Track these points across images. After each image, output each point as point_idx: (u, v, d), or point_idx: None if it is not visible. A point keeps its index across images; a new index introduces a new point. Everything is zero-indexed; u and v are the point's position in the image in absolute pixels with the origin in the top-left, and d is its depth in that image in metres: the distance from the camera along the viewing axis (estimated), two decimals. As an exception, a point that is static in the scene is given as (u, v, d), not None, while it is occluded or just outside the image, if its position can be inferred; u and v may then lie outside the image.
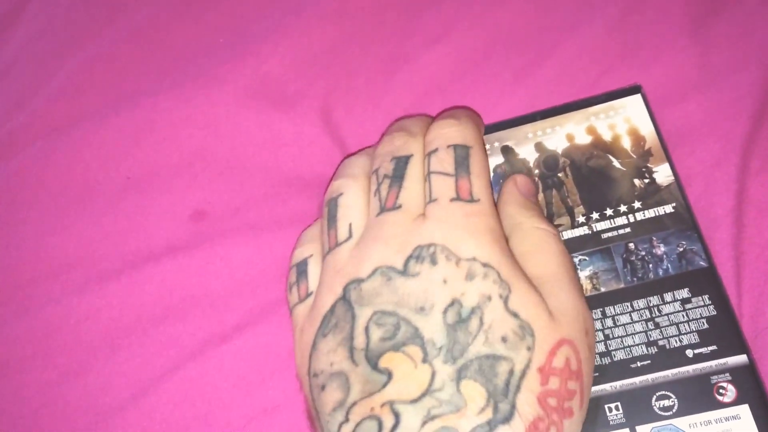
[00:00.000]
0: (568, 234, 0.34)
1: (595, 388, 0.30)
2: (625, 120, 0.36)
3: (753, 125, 0.35)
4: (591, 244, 0.34)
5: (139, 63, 0.47)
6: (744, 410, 0.28)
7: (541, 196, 0.36)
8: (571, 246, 0.34)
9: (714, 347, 0.30)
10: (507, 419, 0.24)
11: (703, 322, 0.30)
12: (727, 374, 0.29)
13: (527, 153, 0.37)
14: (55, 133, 0.45)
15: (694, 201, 0.34)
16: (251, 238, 0.39)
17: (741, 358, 0.29)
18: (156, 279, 0.39)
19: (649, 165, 0.35)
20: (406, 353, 0.26)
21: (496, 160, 0.37)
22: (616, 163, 0.35)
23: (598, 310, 0.32)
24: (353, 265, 0.28)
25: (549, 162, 0.36)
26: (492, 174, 0.37)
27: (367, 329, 0.27)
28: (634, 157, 0.35)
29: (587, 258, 0.33)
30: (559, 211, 0.35)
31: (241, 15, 0.47)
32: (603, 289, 0.32)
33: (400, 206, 0.29)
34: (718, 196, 0.34)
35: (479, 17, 0.43)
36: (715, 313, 0.31)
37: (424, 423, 0.24)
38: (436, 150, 0.30)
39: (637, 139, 0.35)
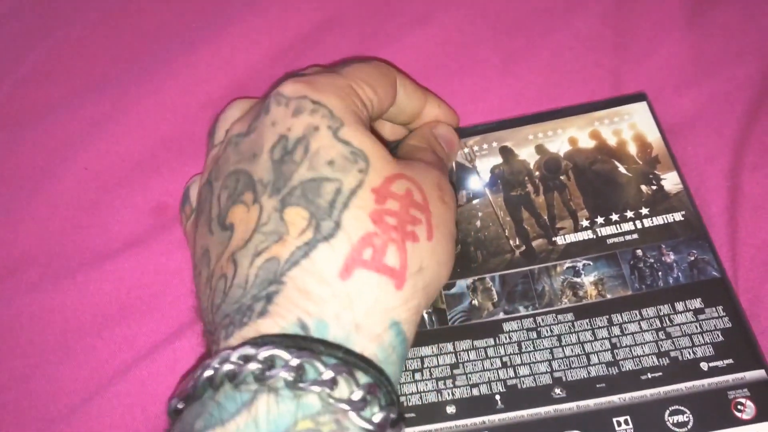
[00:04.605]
0: (571, 237, 0.32)
1: (602, 400, 0.27)
2: (630, 126, 0.34)
3: (748, 119, 0.34)
4: (596, 248, 0.31)
5: (109, 50, 0.45)
6: (765, 429, 0.26)
7: (541, 198, 0.33)
8: (575, 250, 0.31)
9: (730, 361, 0.27)
10: (328, 237, 0.23)
11: (718, 334, 0.28)
12: (746, 389, 0.27)
13: (527, 155, 0.35)
14: (18, 123, 0.42)
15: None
16: None
17: (759, 373, 0.27)
18: (113, 277, 0.36)
19: (656, 172, 0.33)
20: (242, 202, 0.25)
21: (495, 160, 0.35)
22: (621, 169, 0.33)
23: (604, 317, 0.29)
24: (217, 152, 0.28)
25: (550, 164, 0.34)
26: (489, 174, 0.34)
27: (218, 197, 0.26)
28: (641, 163, 0.33)
29: (591, 263, 0.31)
30: (561, 214, 0.33)
31: None
32: (609, 296, 0.30)
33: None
34: (712, 192, 0.33)
35: None
36: (730, 325, 0.28)
37: (252, 261, 0.23)
38: None
39: (644, 146, 0.34)
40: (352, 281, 0.23)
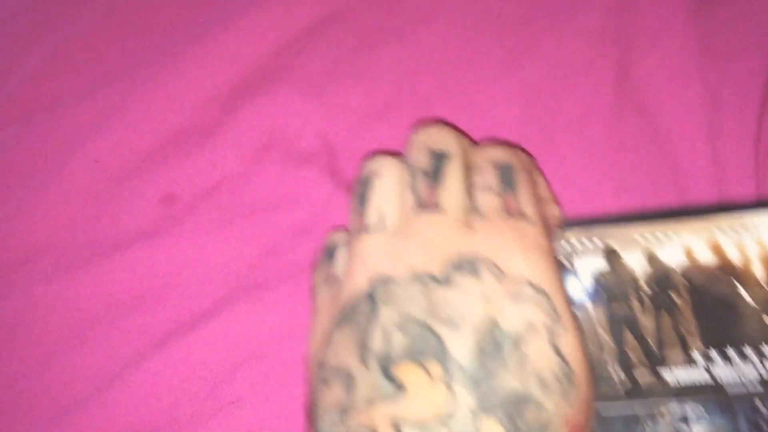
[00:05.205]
0: (680, 373, 0.28)
1: None
2: (757, 242, 0.30)
3: (757, 111, 0.33)
4: (708, 391, 0.28)
5: (117, 43, 0.45)
6: None
7: (650, 320, 0.30)
8: (683, 389, 0.28)
9: None
10: None
11: None
12: None
13: (635, 261, 0.31)
14: (28, 115, 0.43)
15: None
16: (224, 222, 0.37)
17: None
18: (125, 267, 0.37)
19: (784, 303, 0.29)
20: (424, 367, 0.23)
21: (598, 263, 0.31)
22: (744, 294, 0.30)
23: (714, 480, 0.26)
24: (385, 261, 0.25)
25: (663, 281, 0.30)
26: (591, 281, 0.31)
27: (387, 332, 0.24)
28: (767, 289, 0.29)
29: (703, 408, 0.28)
30: (671, 341, 0.29)
31: None
32: (721, 454, 0.27)
33: (441, 209, 0.26)
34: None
35: None
36: None
37: None
38: (478, 166, 0.28)
39: (771, 269, 0.30)
40: None
